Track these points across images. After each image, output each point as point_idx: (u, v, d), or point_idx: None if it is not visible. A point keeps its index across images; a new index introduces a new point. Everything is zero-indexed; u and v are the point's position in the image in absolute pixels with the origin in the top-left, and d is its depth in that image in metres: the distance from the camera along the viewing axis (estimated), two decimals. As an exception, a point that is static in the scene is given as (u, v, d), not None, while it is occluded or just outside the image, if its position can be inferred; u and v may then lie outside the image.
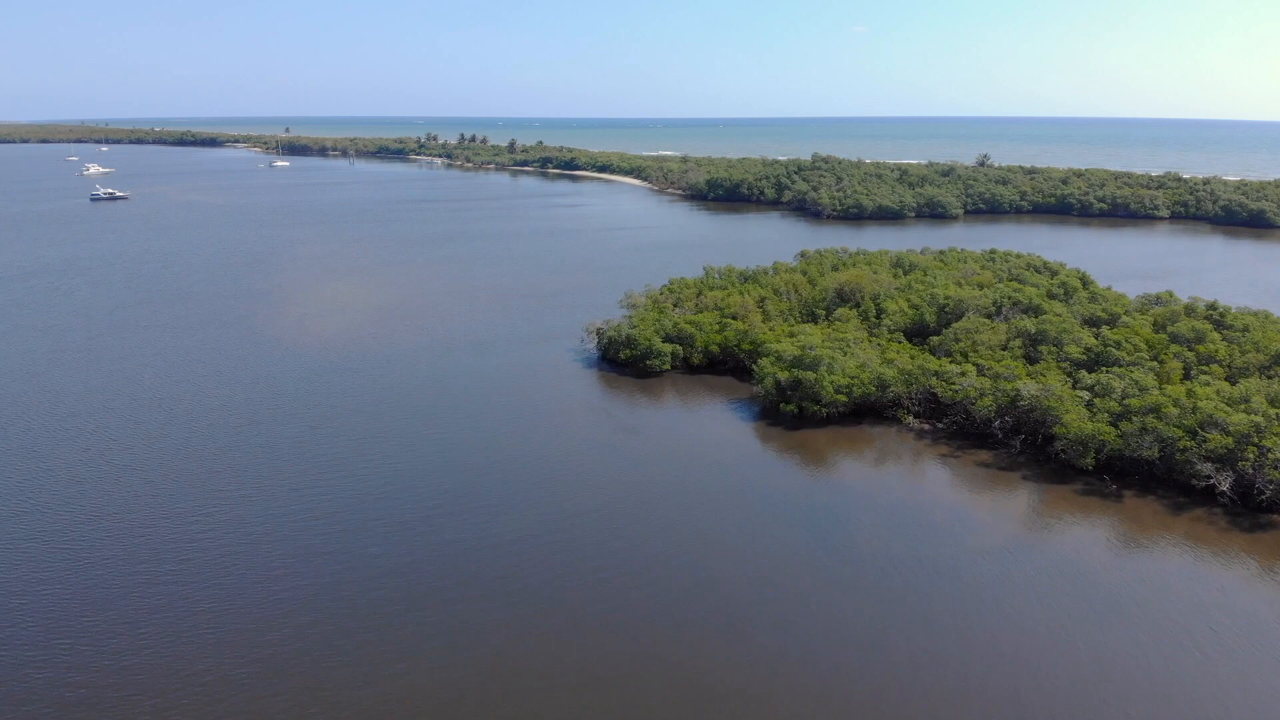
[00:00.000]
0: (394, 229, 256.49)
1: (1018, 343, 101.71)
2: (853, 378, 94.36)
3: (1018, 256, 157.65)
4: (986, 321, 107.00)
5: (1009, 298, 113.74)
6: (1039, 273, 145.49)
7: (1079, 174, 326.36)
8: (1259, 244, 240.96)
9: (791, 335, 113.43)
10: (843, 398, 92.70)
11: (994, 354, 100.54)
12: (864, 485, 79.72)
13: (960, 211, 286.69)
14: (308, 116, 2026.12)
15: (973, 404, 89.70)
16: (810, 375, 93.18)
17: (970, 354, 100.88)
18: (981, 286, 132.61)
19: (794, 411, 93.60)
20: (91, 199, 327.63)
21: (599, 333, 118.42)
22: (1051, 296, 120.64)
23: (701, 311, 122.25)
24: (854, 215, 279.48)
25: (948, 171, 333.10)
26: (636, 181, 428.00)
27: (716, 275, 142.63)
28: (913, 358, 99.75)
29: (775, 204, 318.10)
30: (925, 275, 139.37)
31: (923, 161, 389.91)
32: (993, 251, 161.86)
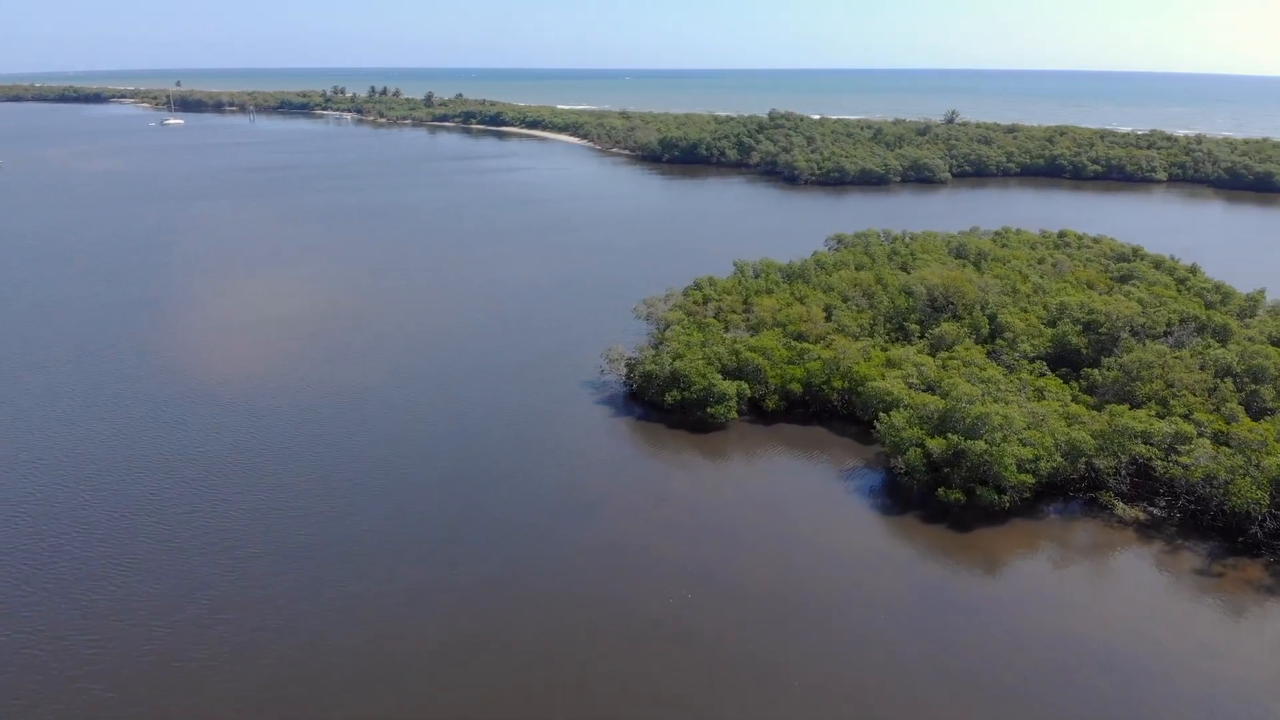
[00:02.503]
0: (309, 200, 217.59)
1: (1228, 384, 73.46)
2: (1031, 445, 65.31)
3: (1095, 241, 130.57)
4: (1167, 350, 78.48)
5: (1176, 312, 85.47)
6: (1129, 261, 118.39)
7: (1062, 132, 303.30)
8: (1275, 210, 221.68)
9: (889, 364, 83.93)
10: (1028, 478, 63.55)
11: (1200, 401, 72.48)
12: (1122, 641, 50.60)
13: (948, 175, 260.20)
14: (201, 69, 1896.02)
15: (1219, 488, 61.62)
16: (979, 446, 63.65)
17: (1170, 400, 72.58)
18: (1090, 286, 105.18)
19: (958, 500, 64.05)
20: None
21: (629, 364, 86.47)
22: (1209, 306, 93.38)
23: (758, 329, 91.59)
24: (834, 180, 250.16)
25: (924, 130, 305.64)
26: (574, 139, 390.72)
27: (751, 272, 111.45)
28: (1106, 413, 70.64)
29: (739, 166, 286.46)
30: (1005, 267, 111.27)
31: (888, 118, 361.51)
32: (1062, 233, 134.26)
